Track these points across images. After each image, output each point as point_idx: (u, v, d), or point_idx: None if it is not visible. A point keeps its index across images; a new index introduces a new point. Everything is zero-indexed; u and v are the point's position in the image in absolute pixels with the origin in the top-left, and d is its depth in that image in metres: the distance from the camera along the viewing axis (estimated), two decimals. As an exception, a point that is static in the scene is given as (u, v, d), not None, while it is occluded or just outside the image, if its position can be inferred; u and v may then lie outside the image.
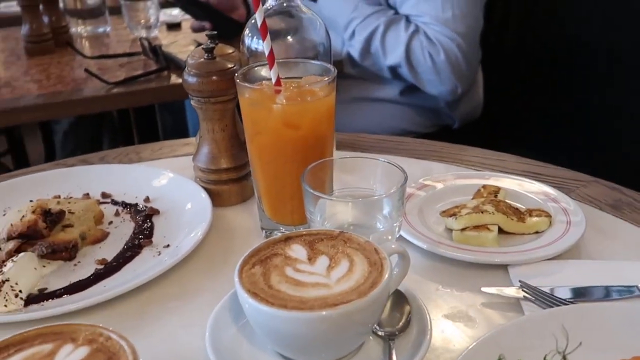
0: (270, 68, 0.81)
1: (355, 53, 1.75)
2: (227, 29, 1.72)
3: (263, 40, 0.80)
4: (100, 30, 2.24)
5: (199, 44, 1.94)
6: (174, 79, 1.76)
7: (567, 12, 1.86)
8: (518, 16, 1.98)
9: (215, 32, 0.98)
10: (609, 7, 1.73)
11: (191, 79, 0.95)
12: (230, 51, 1.02)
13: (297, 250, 0.68)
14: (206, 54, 0.95)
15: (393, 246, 0.71)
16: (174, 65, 1.81)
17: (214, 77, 0.94)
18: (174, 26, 2.27)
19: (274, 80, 0.81)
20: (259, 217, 0.93)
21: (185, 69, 0.97)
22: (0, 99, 1.62)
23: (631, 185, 1.04)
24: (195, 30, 2.10)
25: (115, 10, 2.31)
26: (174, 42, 2.01)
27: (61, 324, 0.58)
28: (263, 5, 0.86)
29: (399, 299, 0.72)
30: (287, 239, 0.70)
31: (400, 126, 1.87)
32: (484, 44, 1.90)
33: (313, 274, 0.64)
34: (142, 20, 2.17)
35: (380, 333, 0.68)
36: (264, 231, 0.93)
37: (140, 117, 2.62)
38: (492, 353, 0.62)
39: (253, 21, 0.98)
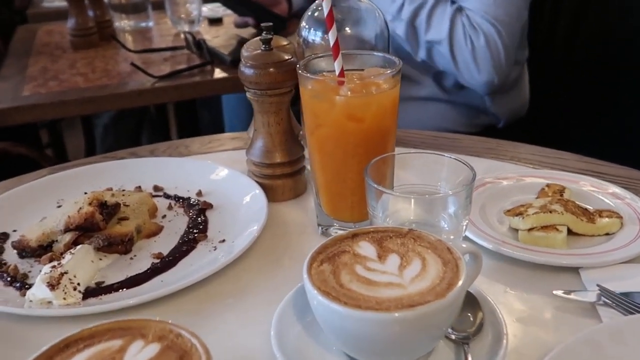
0: (335, 59, 0.78)
1: (401, 28, 1.68)
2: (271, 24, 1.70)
3: (328, 30, 0.77)
4: (143, 24, 2.25)
5: (243, 39, 1.94)
6: (218, 74, 1.75)
7: (619, 8, 1.80)
8: (568, 13, 1.93)
9: (271, 24, 0.96)
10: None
11: (248, 71, 0.93)
12: (285, 43, 1.00)
13: (366, 248, 0.66)
14: (263, 45, 0.93)
15: (464, 245, 0.68)
16: (217, 59, 1.80)
17: (272, 69, 0.92)
18: (215, 21, 2.27)
19: (337, 72, 0.79)
20: (316, 213, 0.91)
21: (242, 60, 0.95)
22: (48, 92, 1.62)
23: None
24: (239, 25, 2.09)
25: (158, 5, 2.32)
26: (217, 36, 2.00)
27: (129, 320, 0.56)
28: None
29: (469, 301, 0.68)
30: (354, 236, 0.68)
31: (444, 126, 1.83)
32: (531, 41, 1.85)
33: (385, 273, 0.62)
34: (184, 15, 2.17)
35: (452, 336, 0.65)
36: (320, 227, 0.91)
37: (179, 112, 2.62)
38: (575, 361, 0.58)
39: (309, 12, 0.96)
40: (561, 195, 0.91)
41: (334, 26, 0.77)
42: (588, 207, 0.88)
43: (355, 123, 0.79)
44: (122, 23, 2.22)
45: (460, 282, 0.59)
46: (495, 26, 1.57)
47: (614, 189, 0.93)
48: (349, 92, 0.79)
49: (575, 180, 0.96)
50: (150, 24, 2.26)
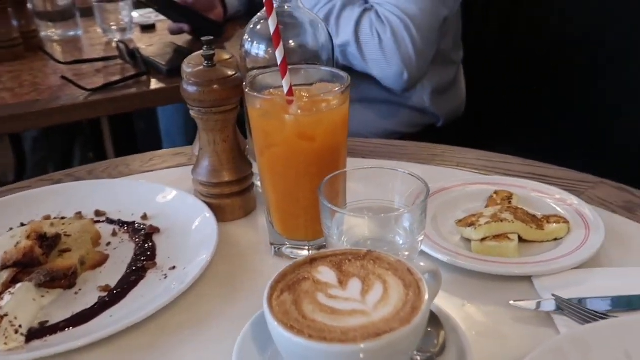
0: (283, 77, 0.76)
1: None
2: (206, 30, 1.66)
3: (275, 48, 0.75)
4: (71, 33, 2.15)
5: (179, 47, 1.88)
6: (155, 84, 1.70)
7: (549, 7, 1.86)
8: (499, 12, 1.97)
9: (212, 37, 0.92)
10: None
11: (191, 89, 0.89)
12: (228, 57, 0.97)
13: (326, 273, 0.64)
14: (206, 61, 0.90)
15: (422, 264, 0.68)
16: (153, 69, 1.74)
17: (216, 86, 0.89)
18: (148, 28, 2.20)
19: (285, 90, 0.77)
20: (268, 232, 0.89)
21: (184, 77, 0.91)
22: (-28, 110, 1.53)
23: (633, 184, 1.03)
24: (173, 32, 2.03)
25: (86, 12, 2.22)
26: (151, 45, 1.94)
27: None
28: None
29: (431, 319, 0.68)
30: (313, 261, 0.66)
31: (385, 127, 1.84)
32: (465, 41, 1.89)
33: (348, 300, 0.60)
34: (115, 23, 2.10)
35: (417, 358, 0.65)
36: (273, 247, 0.89)
37: (114, 124, 2.53)
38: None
39: (252, 25, 0.94)
40: (509, 202, 0.92)
41: (281, 44, 0.75)
42: (536, 213, 0.90)
43: (307, 141, 0.77)
44: (49, 32, 2.12)
45: (423, 306, 0.59)
46: (403, 20, 1.58)
47: (560, 193, 0.95)
48: (299, 111, 0.77)
49: (521, 185, 0.98)
50: (79, 32, 2.16)
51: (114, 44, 1.97)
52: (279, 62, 0.76)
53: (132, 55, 1.78)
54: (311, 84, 0.84)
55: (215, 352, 0.70)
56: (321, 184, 0.75)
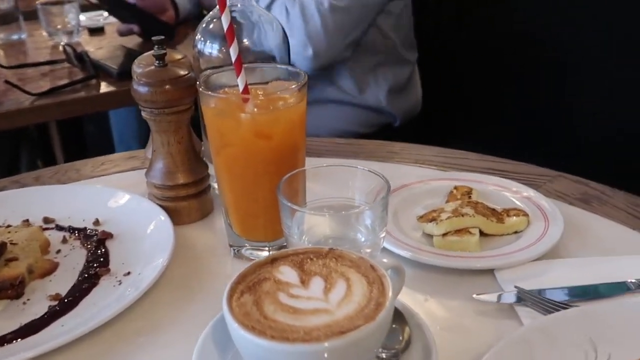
0: (238, 75, 0.74)
1: None
2: (157, 32, 1.62)
3: (229, 45, 0.73)
4: (15, 37, 2.08)
5: (129, 50, 1.84)
6: (104, 88, 1.65)
7: (501, 5, 1.89)
8: (453, 11, 1.99)
9: (163, 37, 0.90)
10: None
11: (142, 89, 0.86)
12: (180, 57, 0.94)
13: (287, 273, 0.62)
14: (157, 61, 0.88)
15: (386, 260, 0.67)
16: (102, 73, 1.69)
17: (168, 86, 0.86)
18: (97, 30, 2.14)
19: (241, 88, 0.75)
20: (227, 234, 0.86)
21: (134, 78, 0.88)
22: None
23: (589, 177, 1.05)
24: (122, 33, 1.99)
25: (31, 15, 2.15)
26: (100, 48, 1.88)
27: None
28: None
29: (395, 315, 0.67)
30: (274, 261, 0.64)
31: (341, 127, 1.84)
32: (419, 41, 1.90)
33: (310, 299, 0.59)
34: (61, 26, 2.03)
35: (382, 355, 0.63)
36: (232, 248, 0.86)
37: (64, 130, 2.45)
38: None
39: (204, 24, 0.92)
40: (469, 196, 0.92)
41: (235, 42, 0.73)
42: (496, 207, 0.90)
43: (264, 140, 0.75)
44: (-8, 36, 2.04)
45: (388, 302, 0.57)
46: (317, 1, 1.56)
47: (518, 187, 0.96)
48: (255, 109, 0.75)
49: (480, 180, 0.98)
50: (23, 36, 2.09)
51: (60, 47, 1.91)
52: (233, 60, 0.74)
53: (80, 58, 1.73)
54: (267, 83, 0.82)
55: (173, 357, 0.67)
56: (280, 182, 0.73)
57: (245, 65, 0.77)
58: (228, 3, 0.77)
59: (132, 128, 2.39)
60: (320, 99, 1.80)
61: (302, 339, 0.54)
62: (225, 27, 0.73)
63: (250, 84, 0.78)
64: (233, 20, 0.89)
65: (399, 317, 0.67)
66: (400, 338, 0.65)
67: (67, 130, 2.46)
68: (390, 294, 0.58)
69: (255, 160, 0.77)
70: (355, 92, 1.79)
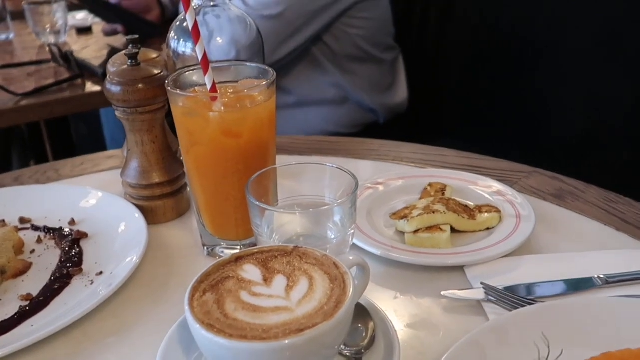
0: (205, 73, 0.74)
1: None
2: (142, 31, 1.62)
3: (195, 43, 0.73)
4: (3, 37, 2.08)
5: (114, 49, 1.84)
6: (90, 87, 1.65)
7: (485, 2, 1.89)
8: (438, 12, 1.99)
9: (137, 36, 0.90)
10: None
11: (115, 89, 0.87)
12: (155, 56, 0.95)
13: (251, 271, 0.63)
14: (130, 60, 0.88)
15: (351, 258, 0.67)
16: (88, 72, 1.70)
17: (140, 85, 0.86)
18: (84, 30, 2.15)
19: (209, 87, 0.75)
20: (200, 234, 0.86)
21: (107, 77, 0.89)
22: None
23: (566, 173, 1.05)
24: (108, 33, 1.99)
25: (18, 15, 2.15)
26: (86, 47, 1.88)
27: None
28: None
29: (360, 312, 0.68)
30: (238, 259, 0.64)
31: (326, 129, 1.84)
32: (405, 41, 1.90)
33: (271, 297, 0.59)
34: (49, 25, 2.03)
35: (346, 352, 0.64)
36: (205, 248, 0.87)
37: (52, 130, 2.45)
38: (466, 365, 0.59)
39: (178, 23, 0.92)
40: (442, 193, 0.92)
41: (201, 39, 0.73)
42: (469, 203, 0.91)
43: (233, 139, 0.76)
44: (-22, 37, 2.04)
45: (347, 299, 0.58)
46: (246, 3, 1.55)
47: (492, 183, 0.96)
48: (223, 107, 0.75)
49: (455, 177, 0.98)
50: (11, 36, 2.09)
51: (47, 48, 1.91)
52: (199, 58, 0.74)
53: (66, 58, 1.73)
54: (237, 81, 0.82)
55: (139, 357, 0.68)
56: (248, 182, 0.73)
57: (214, 64, 0.78)
58: (193, 3, 0.78)
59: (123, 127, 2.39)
60: (303, 101, 1.80)
61: (260, 337, 0.54)
62: (190, 26, 0.73)
63: (220, 83, 0.79)
64: (208, 20, 0.90)
65: (364, 313, 0.68)
66: (364, 335, 0.65)
67: (56, 131, 2.46)
68: (350, 291, 0.59)
69: (225, 159, 0.77)
70: (336, 93, 1.80)
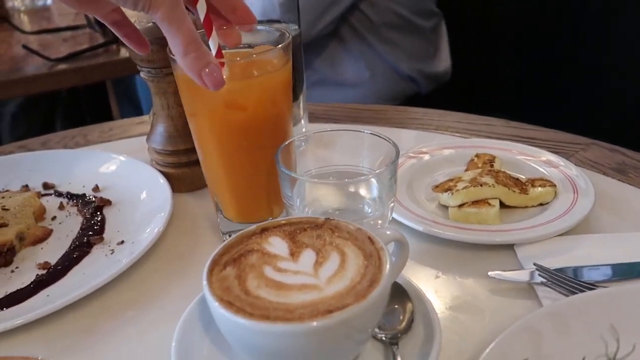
0: (208, 36, 0.67)
1: None
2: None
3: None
4: (40, 3, 2.06)
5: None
6: (124, 53, 1.61)
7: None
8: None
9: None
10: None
11: (139, 47, 0.81)
12: (184, 14, 0.88)
13: (277, 244, 0.57)
14: (155, 17, 0.82)
15: (388, 232, 0.60)
16: (123, 37, 1.65)
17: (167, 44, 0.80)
18: (122, -4, 2.10)
19: (214, 51, 0.68)
20: (219, 224, 0.79)
21: (132, 35, 0.83)
22: None
23: (626, 145, 0.96)
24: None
25: (56, -19, 2.12)
26: (122, 12, 1.84)
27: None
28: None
29: (397, 292, 0.61)
30: (264, 231, 0.59)
31: (369, 102, 1.77)
32: (447, 6, 1.80)
33: (298, 274, 0.53)
34: (87, -9, 1.99)
35: (380, 336, 0.58)
36: (223, 235, 0.79)
37: (91, 96, 2.44)
38: (515, 356, 0.52)
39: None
40: (491, 165, 0.84)
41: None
42: (520, 176, 0.83)
43: (238, 111, 0.67)
44: (16, 3, 2.03)
45: (383, 278, 0.51)
46: None
47: (546, 155, 0.88)
48: (229, 76, 0.66)
49: (504, 148, 0.90)
50: (49, 2, 2.07)
51: (83, 13, 1.88)
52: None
53: (101, 23, 1.68)
54: (252, 47, 0.74)
55: (160, 332, 0.63)
56: (277, 151, 0.67)
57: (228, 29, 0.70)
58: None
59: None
60: (340, 77, 1.73)
61: (283, 318, 0.48)
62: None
63: (233, 49, 0.71)
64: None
65: (402, 294, 0.61)
66: (401, 318, 0.59)
67: (92, 96, 2.45)
68: (387, 269, 0.52)
69: (228, 133, 0.69)
70: (376, 65, 1.72)
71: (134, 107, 2.56)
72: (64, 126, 2.77)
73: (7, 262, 0.73)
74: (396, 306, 0.60)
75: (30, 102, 2.55)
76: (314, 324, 0.48)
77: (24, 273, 0.72)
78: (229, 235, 0.76)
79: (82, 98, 2.61)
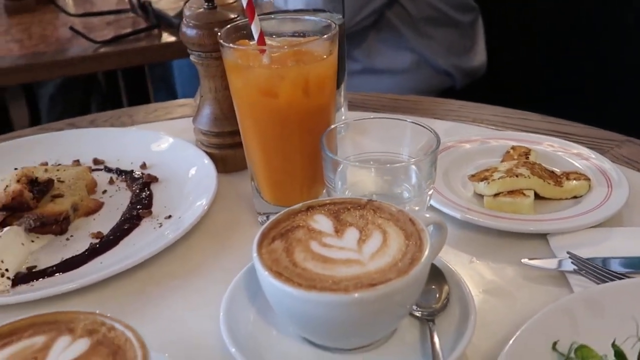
0: (251, 22, 0.69)
1: None
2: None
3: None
4: (85, -14, 2.11)
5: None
6: (166, 38, 1.66)
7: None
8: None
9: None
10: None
11: (190, 32, 0.85)
12: (232, 1, 0.92)
13: (322, 222, 0.60)
14: (206, 4, 0.85)
15: (428, 215, 0.63)
16: (164, 23, 1.70)
17: (216, 29, 0.84)
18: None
19: (256, 37, 0.70)
20: (254, 202, 0.82)
21: (183, 20, 0.87)
22: (-21, 59, 1.50)
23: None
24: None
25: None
26: (165, -2, 1.88)
27: (56, 312, 0.49)
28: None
29: (434, 274, 0.64)
30: (309, 209, 0.62)
31: (402, 94, 1.78)
32: (485, 2, 1.80)
33: (343, 249, 0.56)
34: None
35: (417, 313, 0.60)
36: (259, 216, 0.82)
37: (129, 79, 2.50)
38: (546, 337, 0.54)
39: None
40: (527, 157, 0.86)
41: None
42: (555, 169, 0.85)
43: (272, 98, 0.70)
44: (62, -15, 2.08)
45: (424, 257, 0.54)
46: None
47: (581, 149, 0.89)
48: (269, 63, 0.69)
49: (540, 141, 0.92)
50: (93, -15, 2.12)
51: (126, -2, 1.93)
52: (244, 4, 0.69)
53: (144, 8, 1.73)
54: (301, 35, 0.77)
55: (205, 301, 0.67)
56: (322, 134, 0.70)
57: (280, 16, 0.72)
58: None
59: (193, 81, 2.40)
60: (374, 68, 1.75)
61: (329, 289, 0.52)
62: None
63: (280, 36, 0.74)
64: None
65: (439, 275, 0.64)
66: (438, 297, 0.62)
67: (133, 82, 2.50)
68: (427, 249, 0.55)
69: (270, 117, 0.72)
70: (411, 58, 1.73)
71: (169, 93, 2.61)
72: (100, 109, 2.83)
73: (62, 231, 0.78)
74: (433, 287, 0.63)
75: (67, 85, 2.62)
76: (359, 295, 0.51)
77: (78, 241, 0.76)
78: (266, 217, 0.80)
79: (119, 82, 2.66)
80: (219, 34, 0.72)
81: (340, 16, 0.93)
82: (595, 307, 0.56)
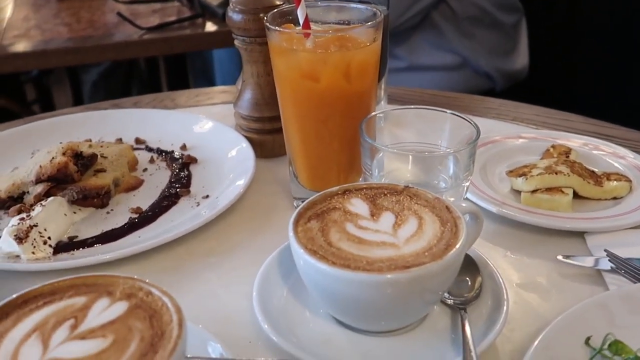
0: (297, 7, 0.70)
1: None
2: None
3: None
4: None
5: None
6: (209, 27, 1.68)
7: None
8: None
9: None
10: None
11: (236, 16, 0.86)
12: (278, -12, 0.93)
13: (358, 205, 0.60)
14: (253, -11, 0.87)
15: (464, 205, 0.63)
16: (208, 12, 1.72)
17: (262, 15, 0.85)
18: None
19: (301, 22, 0.71)
20: (292, 189, 0.83)
21: (230, 5, 0.88)
22: (30, 41, 1.55)
23: None
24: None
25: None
26: (209, -12, 1.91)
27: (96, 275, 0.51)
28: None
29: (468, 264, 0.64)
30: (346, 192, 0.62)
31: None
32: (531, 3, 1.78)
33: (378, 232, 0.57)
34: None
35: (449, 302, 0.60)
36: (295, 201, 0.83)
37: (170, 67, 2.54)
38: (580, 332, 0.54)
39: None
40: (567, 156, 0.85)
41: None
42: (595, 169, 0.83)
43: (312, 82, 0.71)
44: (111, -27, 2.13)
45: (459, 244, 0.54)
46: None
47: (623, 151, 0.88)
48: (313, 47, 0.70)
49: (582, 142, 0.91)
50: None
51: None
52: None
53: (189, -3, 1.76)
54: (346, 24, 0.77)
55: (239, 278, 0.68)
56: (362, 121, 0.70)
57: (322, 3, 0.73)
58: None
59: (231, 71, 2.43)
60: (419, 65, 1.74)
61: (363, 269, 0.52)
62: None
63: (325, 23, 0.74)
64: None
65: (473, 266, 0.64)
66: (470, 286, 0.62)
67: (172, 69, 2.54)
68: (463, 237, 0.55)
69: (304, 100, 0.73)
70: (452, 59, 1.72)
71: (207, 82, 2.65)
72: (140, 93, 2.89)
73: (103, 204, 0.80)
74: (467, 277, 0.63)
75: (110, 71, 2.68)
76: (392, 276, 0.51)
77: (118, 215, 0.78)
78: (301, 201, 0.81)
79: (160, 70, 2.71)
80: (265, 17, 0.73)
81: (385, 8, 0.94)
82: (632, 304, 0.55)
